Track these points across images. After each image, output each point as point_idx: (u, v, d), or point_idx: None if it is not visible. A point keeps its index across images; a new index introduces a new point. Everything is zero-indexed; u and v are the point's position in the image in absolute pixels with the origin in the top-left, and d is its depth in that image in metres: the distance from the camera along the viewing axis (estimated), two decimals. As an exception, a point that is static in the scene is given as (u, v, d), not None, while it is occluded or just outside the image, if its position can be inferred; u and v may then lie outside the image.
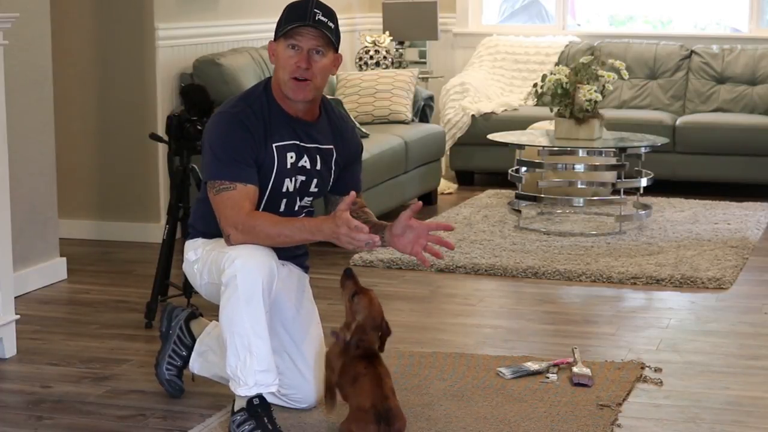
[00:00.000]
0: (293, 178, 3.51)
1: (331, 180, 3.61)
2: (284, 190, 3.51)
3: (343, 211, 3.27)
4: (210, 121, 3.51)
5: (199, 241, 3.60)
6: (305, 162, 3.53)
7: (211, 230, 3.54)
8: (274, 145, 3.46)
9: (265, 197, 3.49)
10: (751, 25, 8.66)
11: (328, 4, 3.53)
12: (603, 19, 9.27)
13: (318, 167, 3.55)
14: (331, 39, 3.46)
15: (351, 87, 7.12)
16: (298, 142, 3.51)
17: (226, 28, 6.90)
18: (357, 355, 3.37)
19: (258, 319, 3.33)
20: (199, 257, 3.57)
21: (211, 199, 3.43)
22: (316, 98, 3.53)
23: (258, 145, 3.43)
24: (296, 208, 3.57)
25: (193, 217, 3.68)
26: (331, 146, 3.59)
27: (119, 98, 6.24)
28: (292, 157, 3.50)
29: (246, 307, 3.31)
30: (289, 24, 3.43)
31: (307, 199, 3.59)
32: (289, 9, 3.48)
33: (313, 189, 3.57)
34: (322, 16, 3.44)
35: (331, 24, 3.45)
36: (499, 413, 3.67)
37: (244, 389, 3.36)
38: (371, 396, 3.28)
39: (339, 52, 3.53)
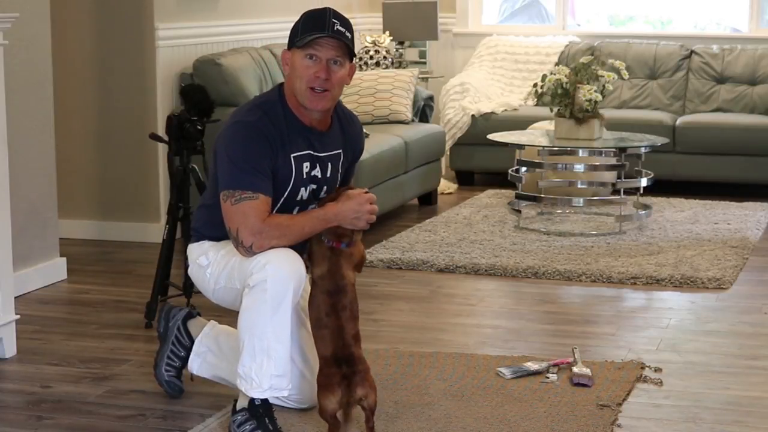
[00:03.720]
0: (307, 187, 3.52)
1: (338, 182, 3.62)
2: (299, 198, 3.52)
3: (354, 189, 3.46)
4: (226, 130, 3.47)
5: (207, 244, 3.59)
6: (318, 171, 3.53)
7: (218, 235, 3.53)
8: (292, 155, 3.46)
9: (279, 206, 3.48)
10: (751, 25, 8.66)
11: (328, 5, 3.52)
12: (603, 19, 9.27)
13: (329, 174, 3.56)
14: (349, 49, 3.45)
15: (351, 87, 7.12)
16: (312, 152, 3.51)
17: (226, 28, 6.90)
18: (323, 290, 3.41)
19: (282, 325, 3.33)
20: (211, 261, 3.55)
21: (227, 209, 3.40)
22: (331, 108, 3.54)
23: (276, 155, 3.43)
24: None
25: (197, 222, 3.66)
26: (340, 150, 3.60)
27: (119, 98, 6.24)
28: (307, 167, 3.50)
29: (272, 312, 3.30)
30: (307, 34, 3.41)
31: (315, 205, 3.59)
32: (306, 18, 3.46)
33: (322, 195, 3.57)
34: (340, 26, 3.42)
35: (348, 34, 3.44)
36: (499, 413, 3.67)
37: (257, 391, 3.36)
38: (332, 346, 3.39)
39: (353, 61, 3.53)
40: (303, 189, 3.51)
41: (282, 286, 3.31)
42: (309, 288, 3.52)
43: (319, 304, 3.42)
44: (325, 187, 3.56)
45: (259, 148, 3.40)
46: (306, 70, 3.43)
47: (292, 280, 3.32)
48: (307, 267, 3.76)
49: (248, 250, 3.37)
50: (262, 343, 3.33)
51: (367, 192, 3.49)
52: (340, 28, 3.42)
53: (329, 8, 3.46)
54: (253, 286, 3.33)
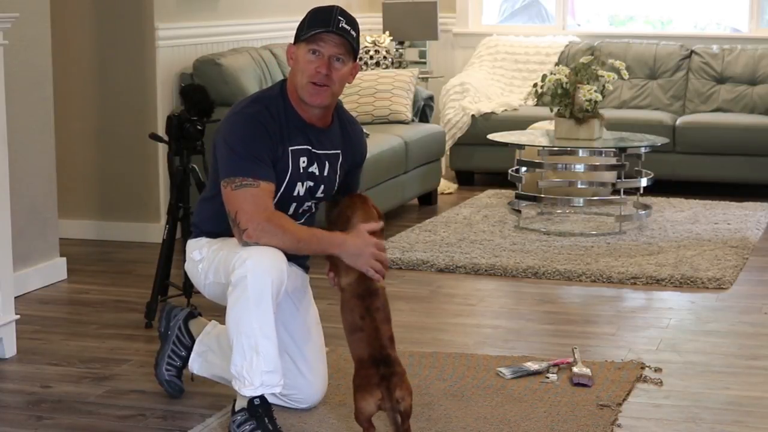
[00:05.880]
0: (304, 183, 3.52)
1: (337, 183, 3.62)
2: (295, 194, 3.52)
3: (367, 230, 3.41)
4: (226, 121, 3.49)
5: (203, 240, 3.60)
6: (315, 168, 3.53)
7: (216, 230, 3.54)
8: (290, 148, 3.47)
9: (275, 200, 3.49)
10: (751, 25, 8.66)
11: (328, 5, 3.53)
12: (603, 19, 9.27)
13: (326, 173, 3.56)
14: (353, 48, 3.46)
15: (351, 87, 7.12)
16: (310, 148, 3.52)
17: (226, 28, 6.90)
18: (356, 294, 3.38)
19: (266, 320, 3.32)
20: (204, 257, 3.57)
21: (227, 194, 3.40)
22: (331, 105, 3.54)
23: (275, 146, 3.44)
24: (301, 211, 3.58)
25: (197, 217, 3.67)
26: (339, 151, 3.60)
27: (119, 98, 6.24)
28: (304, 162, 3.51)
29: (255, 307, 3.30)
30: (312, 29, 3.43)
31: (312, 203, 3.59)
32: (312, 14, 3.48)
33: (319, 194, 3.58)
34: (346, 24, 3.44)
35: (353, 33, 3.46)
36: (499, 413, 3.67)
37: (249, 389, 3.36)
38: (369, 348, 3.33)
39: (357, 61, 3.53)
40: (300, 184, 3.51)
41: (261, 281, 3.30)
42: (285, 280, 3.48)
43: (352, 308, 3.38)
44: (322, 186, 3.56)
45: (259, 138, 3.41)
46: (308, 64, 3.44)
47: (270, 275, 3.31)
48: (307, 268, 3.78)
49: (241, 234, 3.37)
50: (250, 340, 3.32)
51: (379, 233, 3.46)
52: (345, 26, 3.43)
53: (337, 6, 3.48)
54: (235, 284, 3.33)
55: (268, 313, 3.32)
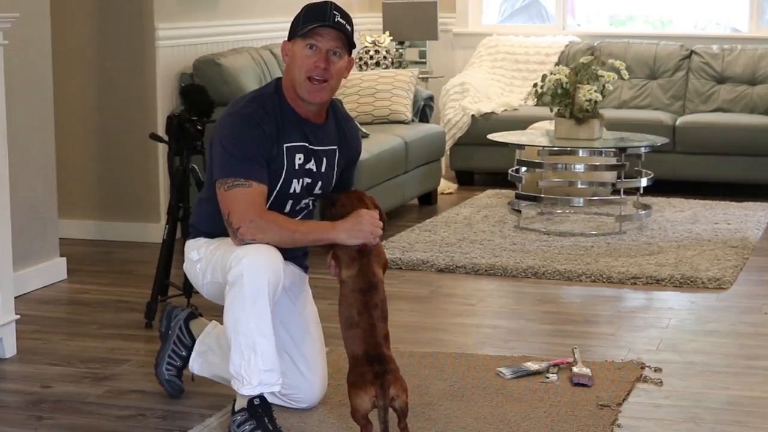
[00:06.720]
0: (300, 180, 3.52)
1: (334, 180, 3.62)
2: (291, 191, 3.52)
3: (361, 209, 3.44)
4: (222, 121, 3.50)
5: (201, 240, 3.61)
6: (312, 165, 3.54)
7: (214, 230, 3.54)
8: (285, 145, 3.47)
9: (272, 197, 3.49)
10: (751, 25, 8.66)
11: (322, 0, 3.53)
12: (603, 19, 9.27)
13: (323, 169, 3.57)
14: (349, 41, 3.47)
15: (351, 87, 7.12)
16: (306, 144, 3.52)
17: (226, 28, 6.90)
18: (355, 289, 3.38)
19: (263, 319, 3.33)
20: (201, 257, 3.57)
21: (221, 195, 3.42)
22: (328, 100, 3.54)
23: (270, 145, 3.44)
24: (297, 208, 3.58)
25: (195, 217, 3.68)
26: (335, 147, 3.60)
27: (119, 98, 6.24)
28: (300, 159, 3.51)
29: (252, 306, 3.31)
30: (308, 24, 3.44)
31: (309, 200, 3.59)
32: (307, 9, 3.49)
33: (317, 191, 3.58)
34: (341, 17, 3.46)
35: (348, 27, 3.48)
36: (499, 413, 3.67)
37: (248, 388, 3.36)
38: (363, 345, 3.33)
39: (351, 55, 3.54)
40: (296, 181, 3.52)
41: (258, 279, 3.30)
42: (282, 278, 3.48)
43: (351, 302, 3.38)
44: (319, 182, 3.57)
45: (254, 139, 3.41)
46: (306, 59, 3.45)
47: (266, 273, 3.31)
48: (306, 268, 3.78)
49: (235, 234, 3.38)
50: (248, 339, 3.33)
51: (374, 207, 3.49)
52: (341, 20, 3.45)
53: (330, 1, 3.49)
54: (232, 283, 3.33)
55: (265, 311, 3.32)
